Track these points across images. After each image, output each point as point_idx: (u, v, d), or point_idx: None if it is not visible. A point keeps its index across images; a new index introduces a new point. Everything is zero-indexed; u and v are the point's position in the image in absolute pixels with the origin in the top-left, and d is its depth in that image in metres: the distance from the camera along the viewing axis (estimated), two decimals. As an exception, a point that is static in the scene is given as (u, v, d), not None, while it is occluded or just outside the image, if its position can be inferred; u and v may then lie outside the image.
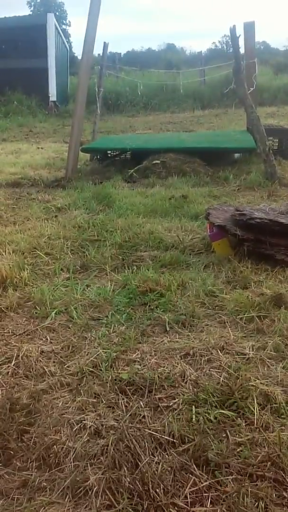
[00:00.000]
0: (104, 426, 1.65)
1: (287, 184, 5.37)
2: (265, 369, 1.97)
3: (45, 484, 1.47)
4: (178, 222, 3.99)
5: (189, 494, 1.39)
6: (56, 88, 17.38)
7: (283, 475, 1.44)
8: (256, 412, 1.68)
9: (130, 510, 1.35)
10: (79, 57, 7.58)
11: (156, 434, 1.60)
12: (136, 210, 4.36)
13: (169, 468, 1.47)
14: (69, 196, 5.13)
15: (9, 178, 6.32)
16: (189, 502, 1.37)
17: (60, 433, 1.64)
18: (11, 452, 1.60)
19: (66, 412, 1.74)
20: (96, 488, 1.41)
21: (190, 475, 1.45)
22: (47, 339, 2.28)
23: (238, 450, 1.54)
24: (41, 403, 1.79)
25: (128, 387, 1.86)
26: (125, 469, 1.46)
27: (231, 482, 1.42)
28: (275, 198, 4.81)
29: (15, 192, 5.52)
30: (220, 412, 1.70)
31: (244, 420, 1.67)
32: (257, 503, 1.36)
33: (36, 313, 2.52)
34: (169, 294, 2.63)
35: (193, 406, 1.73)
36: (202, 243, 3.44)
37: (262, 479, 1.43)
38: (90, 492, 1.41)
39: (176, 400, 1.77)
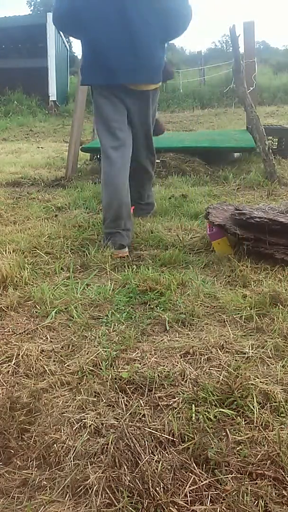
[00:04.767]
0: (104, 425, 1.65)
1: (286, 184, 5.38)
2: (265, 367, 1.97)
3: (45, 483, 1.47)
4: (178, 221, 3.99)
5: (189, 492, 1.39)
6: (56, 87, 17.39)
7: (283, 473, 1.44)
8: (256, 410, 1.69)
9: (130, 508, 1.35)
10: (79, 57, 7.56)
11: (156, 432, 1.60)
12: (136, 210, 4.36)
13: (169, 467, 1.47)
14: (69, 196, 5.13)
15: (9, 178, 6.33)
16: (189, 501, 1.37)
17: (60, 432, 1.64)
18: (11, 451, 1.60)
19: (66, 411, 1.74)
20: (96, 486, 1.42)
21: (190, 474, 1.45)
22: (47, 338, 2.28)
23: (237, 448, 1.54)
24: (41, 402, 1.79)
25: (128, 386, 1.86)
26: (125, 467, 1.46)
27: (231, 481, 1.43)
28: (274, 198, 4.81)
29: (15, 192, 5.53)
30: (220, 411, 1.70)
31: (243, 419, 1.67)
32: (256, 502, 1.36)
33: (36, 312, 2.52)
34: (169, 293, 2.63)
35: (193, 405, 1.73)
36: (202, 242, 3.44)
37: (261, 477, 1.44)
38: (90, 491, 1.41)
39: (176, 399, 1.77)
